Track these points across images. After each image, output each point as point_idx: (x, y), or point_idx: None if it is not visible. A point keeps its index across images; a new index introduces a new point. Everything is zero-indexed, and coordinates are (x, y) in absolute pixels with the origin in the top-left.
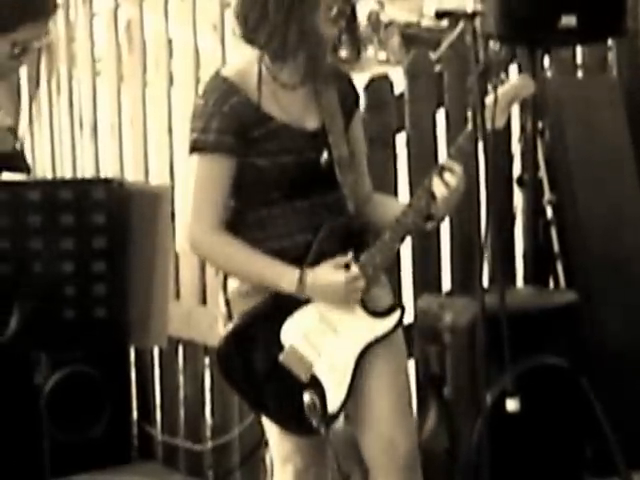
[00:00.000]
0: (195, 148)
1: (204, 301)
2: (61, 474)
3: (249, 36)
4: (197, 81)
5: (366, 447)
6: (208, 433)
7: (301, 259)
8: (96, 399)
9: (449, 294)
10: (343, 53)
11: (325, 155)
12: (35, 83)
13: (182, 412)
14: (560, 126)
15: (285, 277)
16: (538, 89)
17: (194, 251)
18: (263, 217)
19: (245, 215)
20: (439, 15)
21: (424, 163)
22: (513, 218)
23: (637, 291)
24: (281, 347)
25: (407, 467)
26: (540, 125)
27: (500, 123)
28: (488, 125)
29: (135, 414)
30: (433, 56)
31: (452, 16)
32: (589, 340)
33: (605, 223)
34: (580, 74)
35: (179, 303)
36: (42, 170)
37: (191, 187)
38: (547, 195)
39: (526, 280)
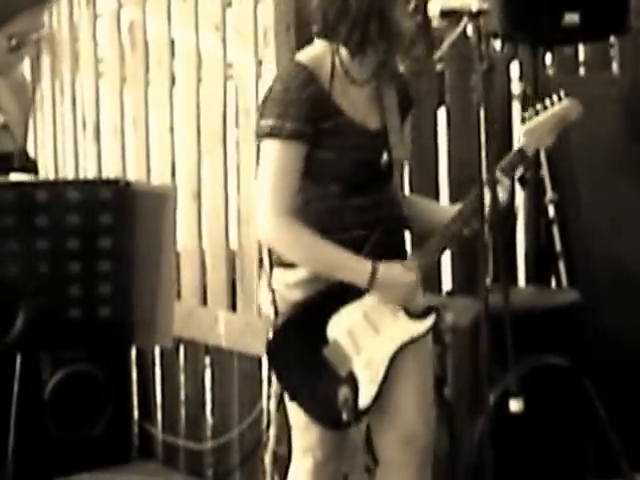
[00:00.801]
0: (272, 134)
1: (205, 301)
2: (62, 473)
3: (328, 32)
4: (199, 81)
5: (385, 443)
6: (208, 433)
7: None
8: (97, 398)
9: (450, 294)
10: (417, 51)
11: (385, 156)
12: (33, 78)
13: (183, 412)
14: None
15: (357, 270)
16: (540, 86)
17: (264, 236)
18: (320, 210)
19: (302, 206)
20: (444, 14)
21: (425, 160)
22: (515, 217)
23: (639, 290)
24: (325, 340)
25: (423, 464)
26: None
27: (548, 143)
28: (534, 145)
29: (136, 413)
30: (435, 55)
31: (457, 15)
32: (591, 340)
33: (607, 222)
34: (582, 72)
35: (180, 303)
36: (45, 170)
37: (264, 172)
38: (549, 194)
39: (528, 279)
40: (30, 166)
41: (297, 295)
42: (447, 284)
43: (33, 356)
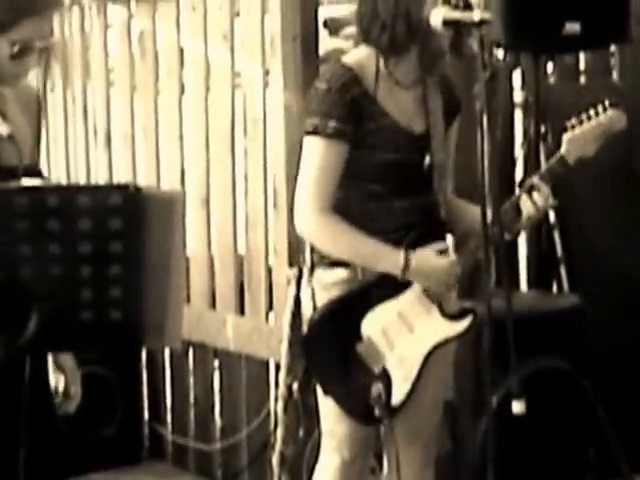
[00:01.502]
0: (315, 132)
1: (213, 305)
2: (74, 473)
3: (364, 35)
4: (207, 90)
5: (397, 435)
6: (217, 434)
7: None
8: (108, 400)
9: None
10: (469, 44)
11: (428, 159)
12: (43, 87)
13: (192, 413)
14: (563, 131)
15: (391, 259)
16: (542, 94)
17: (302, 229)
18: (360, 210)
19: (343, 205)
20: (447, 23)
21: None
22: None
23: (638, 294)
24: (360, 337)
25: (425, 463)
26: (543, 130)
27: (590, 152)
28: (578, 153)
29: (146, 415)
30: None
31: (460, 24)
32: (592, 343)
33: (607, 227)
34: (583, 80)
35: (189, 307)
36: (57, 178)
37: (306, 168)
38: (550, 200)
39: (530, 284)
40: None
41: (335, 294)
42: None
43: (45, 358)
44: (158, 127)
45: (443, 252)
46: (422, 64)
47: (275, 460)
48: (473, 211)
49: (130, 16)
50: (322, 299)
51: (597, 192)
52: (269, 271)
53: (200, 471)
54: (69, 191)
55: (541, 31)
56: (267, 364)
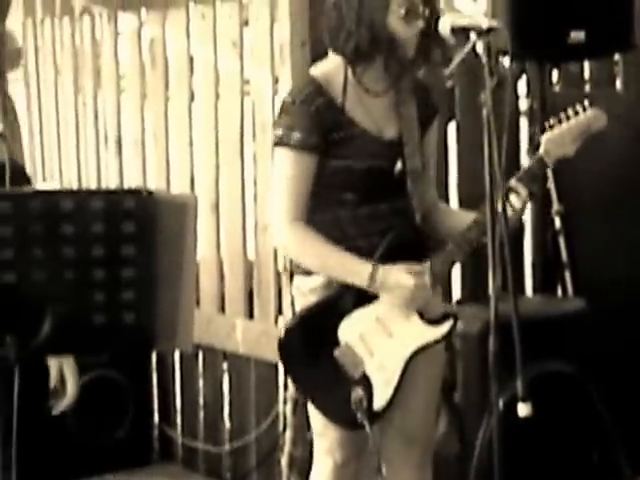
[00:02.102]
0: (280, 143)
1: (223, 309)
2: (84, 474)
3: (331, 43)
4: (217, 97)
5: (386, 442)
6: (226, 436)
7: None
8: (119, 403)
9: (459, 303)
10: (433, 55)
11: (399, 165)
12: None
13: (201, 416)
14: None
15: (358, 271)
16: (547, 102)
17: (277, 241)
18: (333, 218)
19: (316, 214)
20: (455, 31)
21: (435, 175)
22: (522, 228)
23: None
24: (337, 343)
25: (422, 465)
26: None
27: (570, 152)
28: (558, 152)
29: (156, 418)
30: (444, 71)
31: (468, 32)
32: (596, 347)
33: (611, 233)
34: (587, 88)
35: (199, 311)
36: (68, 182)
37: (277, 180)
38: (555, 206)
39: (535, 289)
40: (21, 178)
41: (313, 300)
42: (457, 293)
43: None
44: (168, 133)
45: (417, 273)
46: (389, 72)
47: (284, 461)
48: (454, 215)
49: (140, 24)
50: (300, 305)
51: (602, 198)
52: (278, 275)
53: (210, 473)
54: (82, 195)
55: (546, 40)
56: (276, 367)
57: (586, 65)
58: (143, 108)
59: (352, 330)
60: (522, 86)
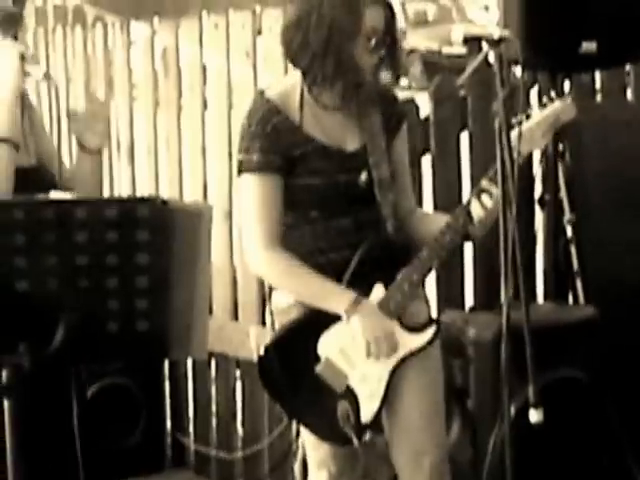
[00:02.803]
0: (242, 169)
1: (236, 316)
2: None
3: (291, 59)
4: (230, 106)
5: (396, 456)
6: (239, 443)
7: (340, 276)
8: (132, 410)
9: (472, 310)
10: (383, 76)
11: (364, 175)
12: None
13: (214, 422)
14: (580, 148)
15: (339, 298)
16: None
17: (253, 268)
18: (303, 235)
19: (286, 232)
20: (467, 41)
21: (448, 183)
22: (534, 236)
23: None
24: (318, 359)
25: (436, 475)
26: (561, 147)
27: (540, 146)
28: (528, 148)
29: (169, 424)
30: (457, 81)
31: (480, 42)
32: (607, 354)
33: (622, 241)
34: (599, 98)
35: (212, 318)
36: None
37: (245, 206)
38: (567, 215)
39: (546, 296)
40: (47, 180)
41: (291, 317)
42: (469, 300)
43: (70, 369)
44: (181, 142)
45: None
46: (345, 94)
47: (297, 468)
48: (432, 220)
49: (153, 33)
50: (279, 322)
51: (614, 206)
52: None
53: (222, 479)
54: (97, 204)
55: (558, 50)
56: None
57: (597, 75)
58: (156, 117)
59: (332, 344)
60: (534, 96)
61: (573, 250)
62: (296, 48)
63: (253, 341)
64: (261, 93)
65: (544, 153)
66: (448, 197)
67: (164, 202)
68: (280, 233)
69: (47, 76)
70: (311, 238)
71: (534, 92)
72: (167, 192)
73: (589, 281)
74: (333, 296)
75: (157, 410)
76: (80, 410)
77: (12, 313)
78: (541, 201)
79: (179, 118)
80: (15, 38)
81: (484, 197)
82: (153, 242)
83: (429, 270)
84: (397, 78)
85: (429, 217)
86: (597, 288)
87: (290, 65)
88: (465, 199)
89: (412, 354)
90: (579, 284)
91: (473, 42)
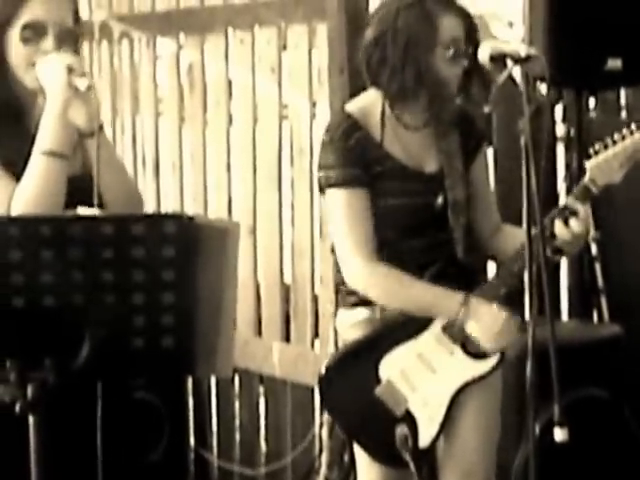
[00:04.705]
0: (329, 184)
1: (259, 332)
2: None
3: (372, 78)
4: (255, 121)
5: (446, 475)
6: (262, 459)
7: None
8: (155, 425)
9: None
10: (474, 92)
11: (440, 199)
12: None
13: (237, 438)
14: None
15: (449, 300)
16: (584, 129)
17: (356, 283)
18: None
19: None
20: (494, 58)
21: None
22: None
23: None
24: (379, 380)
25: None
26: (585, 164)
27: (617, 178)
28: (603, 180)
29: (192, 440)
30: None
31: (505, 59)
32: (632, 372)
33: None
34: (624, 115)
35: (236, 333)
36: None
37: (337, 222)
38: (592, 232)
39: (571, 314)
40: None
41: (356, 335)
42: None
43: (95, 385)
44: (206, 157)
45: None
46: (431, 109)
47: None
48: (517, 236)
49: (179, 48)
50: (343, 340)
51: (638, 226)
52: (315, 299)
53: None
54: (123, 220)
55: (584, 67)
56: (312, 390)
57: (622, 92)
58: (181, 132)
59: (393, 367)
60: (559, 112)
61: (598, 267)
62: (375, 65)
63: (276, 357)
64: (342, 108)
65: (568, 169)
66: None
67: (190, 218)
68: (375, 245)
69: (89, 88)
70: (386, 257)
71: (559, 109)
72: (192, 208)
73: (614, 299)
74: (443, 300)
75: (180, 425)
76: (103, 426)
77: (38, 329)
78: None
79: (204, 133)
80: (76, 53)
81: (569, 217)
82: (179, 258)
83: (497, 298)
84: (487, 91)
85: (514, 232)
86: (622, 306)
87: (369, 84)
88: None
89: (474, 381)
90: (604, 302)
91: (499, 59)
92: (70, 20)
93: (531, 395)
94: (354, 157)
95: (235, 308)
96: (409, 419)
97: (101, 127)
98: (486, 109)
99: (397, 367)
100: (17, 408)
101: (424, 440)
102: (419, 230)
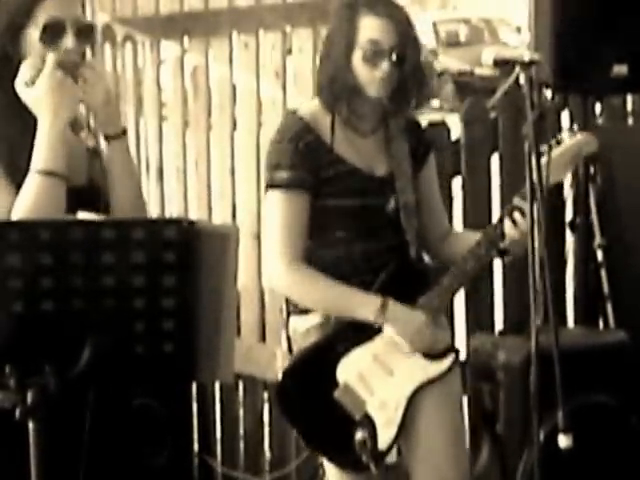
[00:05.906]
0: (271, 185)
1: (263, 338)
2: None
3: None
4: (259, 125)
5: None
6: (266, 465)
7: None
8: (158, 432)
9: (502, 334)
10: (413, 100)
11: (392, 202)
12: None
13: (241, 445)
14: (611, 171)
15: (367, 303)
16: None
17: (274, 286)
18: (328, 256)
19: (311, 254)
20: (497, 63)
21: (479, 206)
22: (565, 260)
23: None
24: (336, 384)
25: None
26: (591, 170)
27: (562, 177)
28: (552, 177)
29: (196, 446)
30: (488, 103)
31: (510, 64)
32: (637, 378)
33: None
34: (630, 121)
35: (239, 340)
36: None
37: (270, 222)
38: (598, 239)
39: (576, 320)
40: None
41: (309, 341)
42: (499, 324)
43: (96, 390)
44: (210, 162)
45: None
46: (356, 115)
47: None
48: (467, 239)
49: (183, 52)
50: (298, 347)
51: None
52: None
53: None
54: (124, 224)
55: (589, 73)
56: None
57: (629, 98)
58: (185, 136)
59: (351, 370)
60: (565, 119)
61: (603, 274)
62: (318, 80)
63: (280, 363)
64: (293, 111)
65: (575, 176)
66: (478, 219)
67: (191, 223)
68: (303, 251)
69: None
70: (336, 261)
71: (565, 115)
72: (196, 212)
73: (619, 305)
74: (360, 304)
75: (184, 432)
76: (106, 432)
77: (38, 334)
78: (572, 224)
79: (208, 137)
80: (92, 54)
81: (516, 215)
82: (180, 264)
83: (452, 295)
84: (423, 99)
85: (464, 236)
86: (627, 312)
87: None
88: (494, 220)
89: (430, 382)
90: (609, 308)
91: (504, 64)
92: (84, 15)
93: (535, 401)
94: (302, 160)
95: (235, 311)
96: (368, 422)
97: (124, 131)
98: (491, 114)
99: (355, 370)
100: (17, 414)
101: (383, 442)
102: (372, 232)
